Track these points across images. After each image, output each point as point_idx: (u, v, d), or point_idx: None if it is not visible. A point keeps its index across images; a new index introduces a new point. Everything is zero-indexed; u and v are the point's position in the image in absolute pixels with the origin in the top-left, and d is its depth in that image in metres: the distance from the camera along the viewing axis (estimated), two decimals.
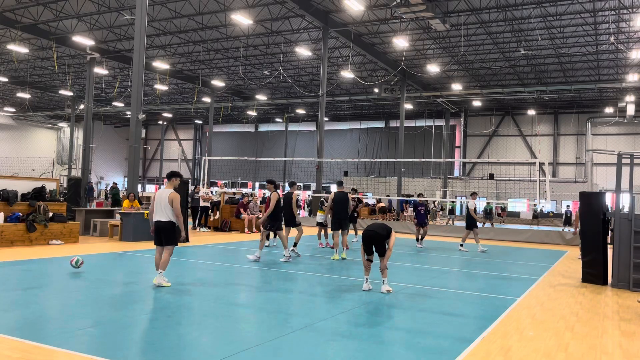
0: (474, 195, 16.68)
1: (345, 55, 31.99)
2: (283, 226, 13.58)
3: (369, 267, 8.63)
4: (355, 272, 10.81)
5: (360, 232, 19.51)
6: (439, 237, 21.88)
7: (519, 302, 8.39)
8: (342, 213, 13.12)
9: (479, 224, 18.95)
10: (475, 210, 16.39)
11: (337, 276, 10.24)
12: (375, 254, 8.54)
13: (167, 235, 8.37)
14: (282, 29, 28.12)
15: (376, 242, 8.46)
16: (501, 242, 20.49)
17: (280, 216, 12.15)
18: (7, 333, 5.48)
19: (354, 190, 20.30)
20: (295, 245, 13.24)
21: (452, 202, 35.20)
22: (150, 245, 14.24)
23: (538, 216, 36.85)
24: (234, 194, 25.06)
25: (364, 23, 26.53)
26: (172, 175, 8.61)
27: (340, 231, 13.16)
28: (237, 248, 14.69)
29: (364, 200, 24.14)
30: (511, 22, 25.45)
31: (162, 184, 60.61)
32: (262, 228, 12.22)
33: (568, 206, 31.40)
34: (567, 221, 31.16)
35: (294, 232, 13.58)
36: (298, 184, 42.59)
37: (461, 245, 16.43)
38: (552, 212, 40.51)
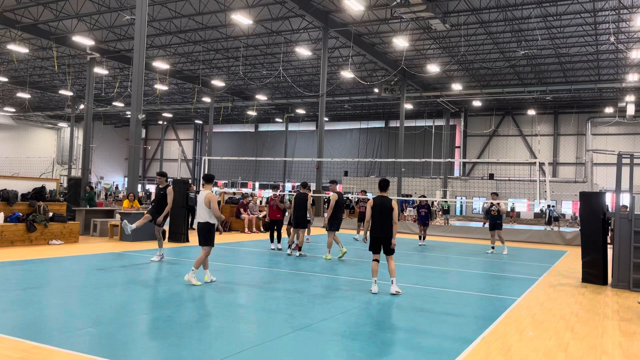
0: (493, 195, 16.36)
1: (345, 55, 31.99)
2: (289, 226, 13.58)
3: (376, 268, 8.62)
4: (355, 272, 10.81)
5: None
6: (438, 237, 21.87)
7: (519, 302, 8.39)
8: (340, 214, 13.12)
9: (480, 224, 18.87)
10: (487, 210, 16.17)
11: (337, 276, 10.24)
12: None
13: (204, 236, 8.69)
14: (282, 29, 28.12)
15: (383, 243, 8.48)
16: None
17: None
18: (7, 333, 5.48)
19: (364, 192, 20.35)
20: (299, 248, 13.25)
21: (446, 201, 35.11)
22: (150, 245, 14.25)
23: (553, 218, 35.62)
24: (234, 194, 25.07)
25: (364, 23, 26.53)
26: (211, 179, 9.04)
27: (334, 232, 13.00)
28: (237, 248, 14.69)
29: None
30: (511, 22, 25.44)
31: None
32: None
33: (549, 206, 31.40)
34: (549, 221, 31.20)
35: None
36: (297, 184, 42.51)
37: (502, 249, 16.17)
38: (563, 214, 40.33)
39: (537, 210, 40.58)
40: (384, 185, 8.73)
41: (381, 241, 8.48)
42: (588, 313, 7.81)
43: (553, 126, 44.66)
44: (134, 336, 5.69)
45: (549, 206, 31.58)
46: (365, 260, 12.85)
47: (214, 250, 13.66)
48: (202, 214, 8.67)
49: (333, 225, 12.96)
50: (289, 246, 13.31)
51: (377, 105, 46.48)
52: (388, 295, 8.38)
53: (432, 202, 34.42)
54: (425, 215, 17.63)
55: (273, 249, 14.33)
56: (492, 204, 15.98)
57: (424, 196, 18.89)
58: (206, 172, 19.80)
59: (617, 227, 10.31)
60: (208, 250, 8.75)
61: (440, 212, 34.37)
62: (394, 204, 8.45)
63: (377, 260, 8.63)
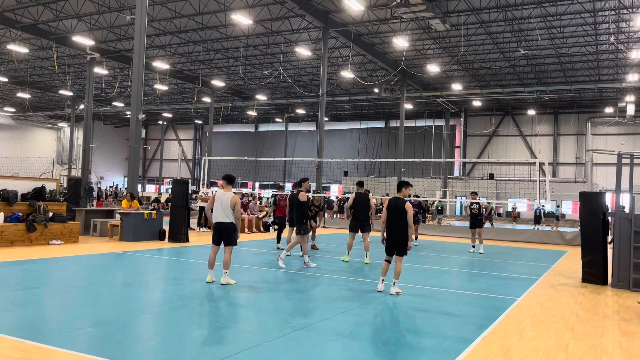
0: (472, 194, 16.57)
1: (345, 55, 31.98)
2: (287, 226, 13.56)
3: (386, 268, 8.66)
4: (356, 273, 10.81)
5: (373, 233, 19.47)
6: (437, 237, 21.87)
7: (519, 302, 8.39)
8: (362, 215, 12.35)
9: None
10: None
11: (337, 276, 10.24)
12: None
13: (228, 236, 8.84)
14: (282, 29, 28.11)
15: (393, 244, 8.49)
16: (501, 242, 20.49)
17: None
18: (7, 333, 5.48)
19: (367, 192, 20.20)
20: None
21: (441, 201, 35.10)
22: (149, 245, 14.26)
23: (556, 218, 36.47)
24: (234, 194, 25.00)
25: (364, 23, 26.53)
26: (234, 179, 9.26)
27: (358, 233, 12.48)
28: (236, 248, 14.66)
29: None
30: (511, 22, 25.44)
31: (162, 183, 60.48)
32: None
33: (540, 206, 31.63)
34: (537, 220, 31.37)
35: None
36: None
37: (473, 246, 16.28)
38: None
39: (545, 210, 40.61)
40: (399, 186, 8.80)
41: (391, 242, 8.50)
42: (588, 313, 7.81)
43: (553, 126, 44.66)
44: (134, 336, 5.69)
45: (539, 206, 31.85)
46: (364, 262, 12.84)
47: None
48: (228, 215, 8.81)
49: (354, 226, 12.40)
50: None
51: (377, 105, 46.47)
52: (388, 295, 8.38)
53: (432, 202, 34.44)
54: (414, 214, 17.57)
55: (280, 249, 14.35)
56: (471, 203, 16.04)
57: (417, 195, 18.94)
58: (206, 172, 19.79)
59: (617, 227, 10.31)
60: (232, 249, 8.92)
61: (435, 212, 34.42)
62: (408, 207, 8.37)
63: (388, 261, 8.65)
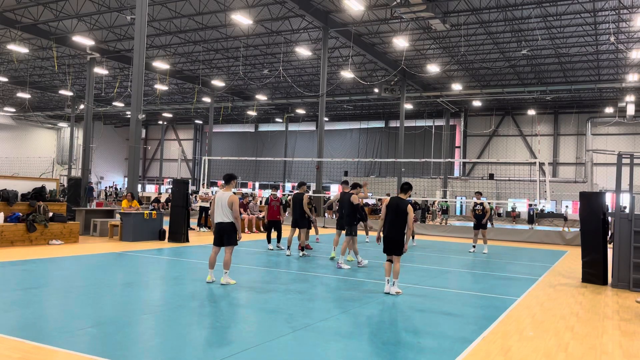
0: (477, 194, 16.50)
1: (345, 55, 31.99)
2: (290, 226, 13.49)
3: (389, 268, 8.61)
4: (356, 273, 10.81)
5: (371, 233, 19.46)
6: (437, 237, 21.87)
7: (519, 302, 8.39)
8: (345, 215, 12.27)
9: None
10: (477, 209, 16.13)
11: (337, 276, 10.24)
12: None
13: (228, 236, 8.88)
14: (282, 29, 28.12)
15: (393, 245, 8.48)
16: (501, 242, 20.49)
17: None
18: (7, 333, 5.48)
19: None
20: (302, 248, 13.22)
21: (445, 201, 35.13)
22: (149, 245, 14.26)
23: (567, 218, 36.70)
24: (234, 194, 25.01)
25: (364, 23, 26.53)
26: (231, 178, 9.28)
27: (343, 232, 12.47)
28: (236, 248, 14.65)
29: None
30: (511, 22, 25.44)
31: (162, 183, 60.48)
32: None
33: (530, 205, 31.66)
34: (531, 220, 31.46)
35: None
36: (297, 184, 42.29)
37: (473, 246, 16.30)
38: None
39: (537, 210, 40.60)
40: (403, 187, 8.82)
41: (387, 240, 8.49)
42: (588, 313, 7.81)
43: (553, 126, 44.66)
44: (134, 336, 5.69)
45: (530, 205, 31.89)
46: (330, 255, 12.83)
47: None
48: (227, 215, 8.84)
49: (339, 224, 12.41)
50: (301, 248, 13.22)
51: (377, 105, 46.47)
52: (388, 295, 8.38)
53: (433, 202, 34.47)
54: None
55: (271, 249, 14.31)
56: (475, 204, 16.02)
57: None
58: (206, 172, 19.77)
59: (617, 227, 10.31)
60: (232, 249, 8.94)
61: (439, 212, 34.41)
62: (409, 209, 8.38)
63: (390, 261, 8.61)
